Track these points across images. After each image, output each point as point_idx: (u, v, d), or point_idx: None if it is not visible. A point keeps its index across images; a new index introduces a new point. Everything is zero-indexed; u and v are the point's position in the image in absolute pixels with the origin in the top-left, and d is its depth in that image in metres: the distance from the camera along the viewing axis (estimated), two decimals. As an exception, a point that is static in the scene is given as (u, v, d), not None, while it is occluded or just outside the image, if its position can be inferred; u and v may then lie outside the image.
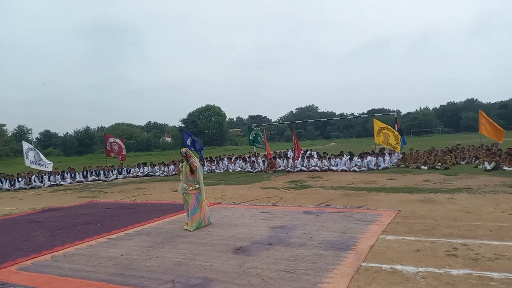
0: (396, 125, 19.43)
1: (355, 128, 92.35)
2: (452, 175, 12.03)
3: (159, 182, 16.96)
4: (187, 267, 4.52)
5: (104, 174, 19.33)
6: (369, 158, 16.82)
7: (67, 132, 65.12)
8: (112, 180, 18.86)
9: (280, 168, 18.33)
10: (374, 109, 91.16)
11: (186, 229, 6.48)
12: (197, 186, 6.80)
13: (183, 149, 7.06)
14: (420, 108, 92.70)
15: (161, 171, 20.82)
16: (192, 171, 6.82)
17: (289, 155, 20.49)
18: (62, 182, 17.96)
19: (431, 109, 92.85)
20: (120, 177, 19.76)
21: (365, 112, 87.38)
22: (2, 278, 4.48)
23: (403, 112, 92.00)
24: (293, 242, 5.32)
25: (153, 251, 5.26)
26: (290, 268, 4.33)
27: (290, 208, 8.15)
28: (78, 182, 18.63)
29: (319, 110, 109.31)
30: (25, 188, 16.82)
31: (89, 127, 65.79)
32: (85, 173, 19.52)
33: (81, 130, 63.38)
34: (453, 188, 9.38)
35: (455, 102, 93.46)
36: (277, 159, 19.18)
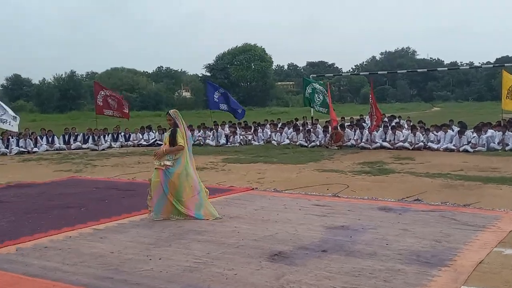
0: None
1: (473, 87, 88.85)
2: None
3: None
4: (201, 275, 4.72)
5: (94, 140, 20.27)
6: (490, 132, 16.28)
7: (44, 79, 67.20)
8: (104, 149, 19.77)
9: (349, 143, 18.25)
10: (508, 56, 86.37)
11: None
12: (168, 162, 7.06)
13: (172, 111, 7.34)
14: None
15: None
16: (173, 143, 7.08)
17: (364, 124, 20.27)
18: (35, 149, 19.13)
19: None
20: (115, 146, 20.64)
21: (491, 61, 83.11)
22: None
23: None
24: (359, 250, 5.35)
25: (155, 250, 5.53)
26: (350, 286, 4.39)
27: (359, 202, 8.15)
28: (57, 149, 19.72)
29: (417, 57, 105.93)
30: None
31: (74, 72, 68.17)
32: (67, 137, 20.57)
33: (63, 76, 65.63)
34: None
35: None
36: (346, 129, 19.06)
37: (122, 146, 20.73)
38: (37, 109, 59.93)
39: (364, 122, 21.51)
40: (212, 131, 21.05)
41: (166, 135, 7.33)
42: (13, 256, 5.44)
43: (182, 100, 73.69)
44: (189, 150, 7.31)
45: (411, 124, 18.86)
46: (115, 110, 19.95)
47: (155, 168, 7.18)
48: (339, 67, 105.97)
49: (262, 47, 78.14)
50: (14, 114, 17.57)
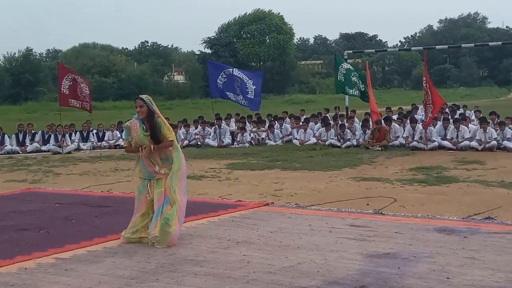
0: None
1: None
2: None
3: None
4: (198, 320, 4.73)
5: (57, 140, 20.38)
6: None
7: (-10, 59, 67.83)
8: (70, 152, 19.89)
9: (397, 142, 18.17)
10: None
11: (132, 239, 7.13)
12: (169, 167, 7.15)
13: (144, 96, 7.30)
14: None
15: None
16: (158, 138, 7.09)
17: (416, 117, 20.16)
18: (-20, 153, 19.24)
19: None
20: (85, 147, 20.76)
21: None
22: None
23: None
24: (410, 286, 5.31)
25: (137, 287, 5.55)
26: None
27: (410, 221, 8.08)
28: (8, 152, 19.89)
29: (488, 26, 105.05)
30: None
31: (31, 51, 68.53)
32: (21, 136, 20.70)
33: (16, 55, 66.02)
34: None
35: None
36: (393, 123, 18.98)
37: (94, 148, 20.85)
38: (-17, 99, 60.42)
39: (415, 113, 21.46)
40: (213, 127, 21.09)
41: (140, 130, 7.13)
42: (-50, 294, 5.50)
43: (173, 86, 73.99)
44: None
45: (481, 116, 18.76)
46: (81, 99, 20.09)
47: (151, 179, 7.20)
48: (383, 41, 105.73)
49: (280, 14, 78.25)
50: None
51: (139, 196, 7.29)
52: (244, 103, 20.92)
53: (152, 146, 7.10)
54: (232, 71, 20.92)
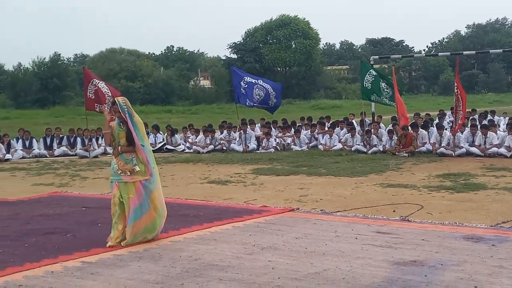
0: None
1: None
2: None
3: (181, 163, 17.59)
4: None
5: (83, 143, 20.59)
6: None
7: (19, 64, 68.05)
8: (96, 156, 20.08)
9: (424, 148, 18.04)
10: None
11: (112, 245, 7.34)
12: (137, 169, 7.44)
13: (121, 98, 7.55)
14: None
15: (187, 144, 21.63)
16: (130, 140, 7.41)
17: (444, 123, 20.00)
18: (8, 156, 19.59)
19: None
20: (111, 151, 20.86)
21: None
22: None
23: None
24: (437, 295, 5.27)
25: (162, 291, 5.57)
26: None
27: (437, 228, 8.02)
28: (36, 156, 20.11)
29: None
30: None
31: (59, 55, 68.92)
32: (49, 140, 20.93)
33: (45, 60, 66.50)
34: None
35: None
36: (420, 129, 18.85)
37: (120, 152, 20.94)
38: (11, 103, 61.01)
39: (442, 119, 21.27)
40: (238, 132, 21.15)
41: (116, 127, 7.54)
42: (-23, 297, 5.57)
43: (199, 91, 74.28)
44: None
45: (509, 121, 18.53)
46: (102, 103, 20.16)
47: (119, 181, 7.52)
48: (410, 46, 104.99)
49: (306, 20, 78.14)
50: None
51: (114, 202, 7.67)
52: (260, 106, 21.15)
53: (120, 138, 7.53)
54: (257, 81, 21.01)
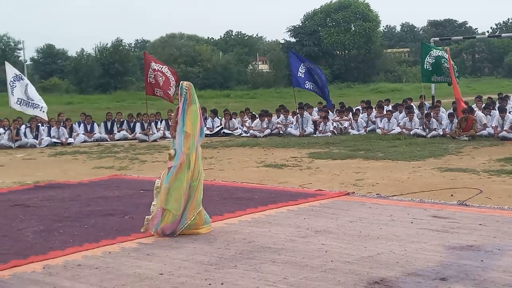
0: None
1: None
2: None
3: (238, 147, 17.70)
4: (274, 309, 4.77)
5: (143, 128, 20.92)
6: None
7: (82, 50, 69.41)
8: (155, 140, 20.40)
9: (485, 131, 17.65)
10: None
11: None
12: (173, 153, 7.41)
13: (185, 83, 7.45)
14: None
15: (244, 128, 21.69)
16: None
17: (508, 107, 19.51)
18: (70, 140, 20.09)
19: None
20: (170, 135, 21.14)
21: None
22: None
23: None
24: (493, 280, 5.16)
25: (216, 273, 5.61)
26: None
27: (496, 213, 7.88)
28: (97, 140, 20.57)
29: None
30: (9, 147, 19.05)
31: (121, 41, 70.19)
32: (109, 125, 21.37)
33: (107, 46, 67.68)
34: None
35: None
36: (481, 112, 18.46)
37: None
38: (74, 88, 62.37)
39: (504, 103, 20.73)
40: (295, 116, 21.12)
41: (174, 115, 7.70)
42: (39, 275, 5.70)
43: (258, 75, 74.33)
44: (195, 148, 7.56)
45: None
46: (162, 88, 20.35)
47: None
48: (473, 27, 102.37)
49: (366, 2, 77.12)
50: (40, 103, 18.66)
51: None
52: (321, 94, 21.13)
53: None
54: (314, 67, 21.05)
